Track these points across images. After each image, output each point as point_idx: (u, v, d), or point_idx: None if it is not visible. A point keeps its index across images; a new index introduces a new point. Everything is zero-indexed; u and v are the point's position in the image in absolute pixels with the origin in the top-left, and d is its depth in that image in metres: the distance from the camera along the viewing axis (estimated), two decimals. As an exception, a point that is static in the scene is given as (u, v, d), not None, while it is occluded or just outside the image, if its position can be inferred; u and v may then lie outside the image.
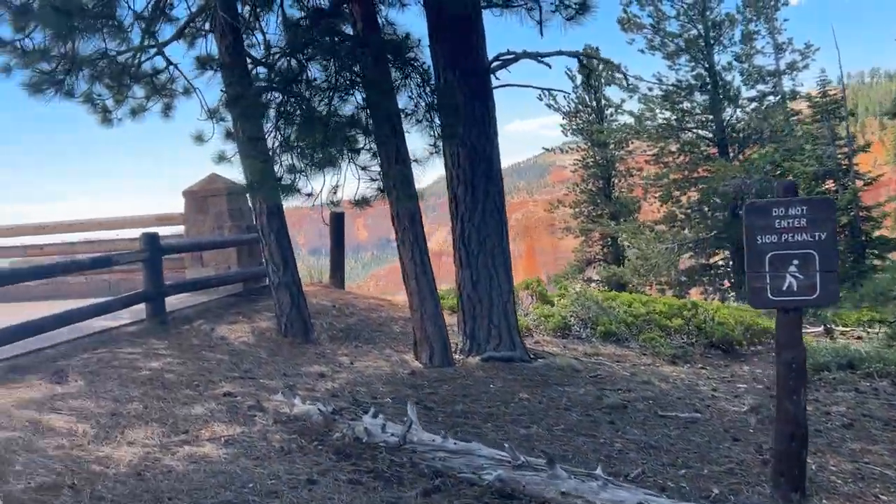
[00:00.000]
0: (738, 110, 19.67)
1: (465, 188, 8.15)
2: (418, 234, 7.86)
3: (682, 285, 18.82)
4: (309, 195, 7.17)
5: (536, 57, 7.74)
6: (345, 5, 7.39)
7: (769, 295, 4.47)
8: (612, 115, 22.21)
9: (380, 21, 7.63)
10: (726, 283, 18.79)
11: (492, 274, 8.18)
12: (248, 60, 8.47)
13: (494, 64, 7.99)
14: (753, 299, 4.63)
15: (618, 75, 18.88)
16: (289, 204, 8.85)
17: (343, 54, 6.75)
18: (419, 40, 7.54)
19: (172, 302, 9.03)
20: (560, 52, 8.63)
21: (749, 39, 20.14)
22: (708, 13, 18.94)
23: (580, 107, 22.20)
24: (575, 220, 22.38)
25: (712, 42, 19.07)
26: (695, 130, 19.46)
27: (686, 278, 19.10)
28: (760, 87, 20.38)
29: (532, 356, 8.39)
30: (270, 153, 6.79)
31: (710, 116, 19.28)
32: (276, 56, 6.96)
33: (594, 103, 22.32)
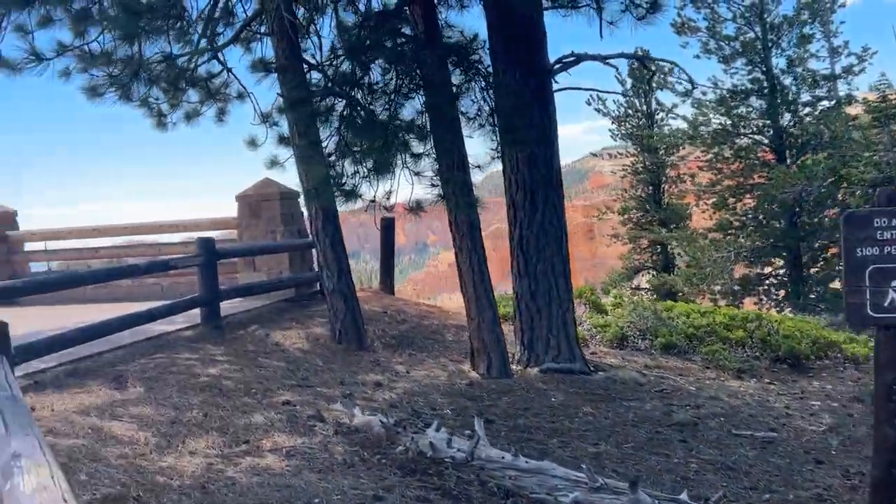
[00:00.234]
0: (797, 115, 19.03)
1: (524, 194, 7.92)
2: (476, 242, 7.67)
3: (735, 295, 18.28)
4: (372, 201, 7.02)
5: (601, 59, 7.49)
6: (406, 7, 7.25)
7: (869, 311, 4.16)
8: (662, 119, 21.77)
9: (439, 23, 7.47)
10: (782, 293, 18.19)
11: (551, 283, 7.94)
12: (304, 64, 8.42)
13: (556, 66, 7.77)
14: (851, 316, 4.33)
15: (671, 79, 18.48)
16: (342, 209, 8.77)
17: (407, 57, 6.59)
18: (483, 42, 7.35)
19: (225, 307, 8.98)
20: (622, 55, 8.38)
21: (804, 43, 19.54)
22: (766, 15, 18.40)
23: (630, 111, 21.80)
24: (623, 226, 21.94)
25: (770, 45, 18.52)
26: (751, 136, 18.91)
27: (739, 288, 18.54)
28: (815, 91, 19.74)
29: (592, 368, 8.13)
30: (331, 158, 6.67)
31: (768, 121, 18.71)
32: (342, 58, 6.81)
33: (644, 107, 21.89)
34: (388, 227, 11.97)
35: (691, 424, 6.41)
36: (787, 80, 19.07)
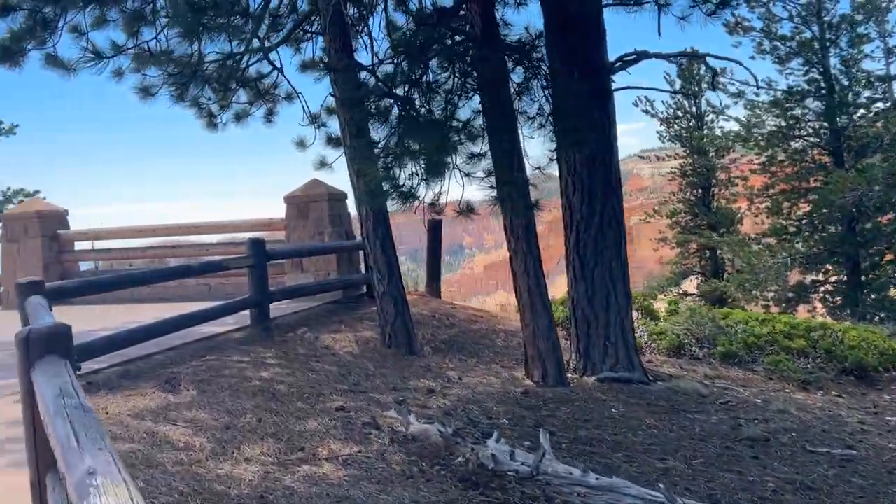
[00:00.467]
0: (853, 117, 18.33)
1: (582, 196, 7.66)
2: (532, 245, 7.44)
3: (789, 302, 17.69)
4: (432, 203, 6.84)
5: (666, 57, 7.20)
6: (463, 5, 7.06)
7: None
8: (712, 121, 21.22)
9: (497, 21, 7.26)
10: (838, 300, 17.54)
11: (609, 288, 7.66)
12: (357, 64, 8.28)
13: (616, 64, 7.50)
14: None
15: (722, 79, 17.96)
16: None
17: (466, 55, 6.40)
18: (542, 40, 7.10)
19: (273, 308, 8.89)
20: (684, 53, 8.08)
21: (859, 43, 18.87)
22: (823, 14, 17.78)
23: (679, 112, 21.29)
24: (671, 230, 21.41)
25: (828, 44, 17.90)
26: (807, 138, 18.28)
27: (793, 294, 17.94)
28: (871, 93, 19.05)
29: (651, 378, 7.83)
30: (387, 159, 6.50)
31: (825, 123, 18.07)
32: (400, 57, 6.64)
33: (694, 109, 21.36)
34: (435, 230, 11.80)
35: (762, 440, 6.09)
36: (846, 81, 18.39)
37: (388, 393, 6.75)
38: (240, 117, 10.47)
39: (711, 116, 21.28)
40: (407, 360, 8.08)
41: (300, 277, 10.69)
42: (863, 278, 17.99)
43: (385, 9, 9.44)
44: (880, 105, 19.19)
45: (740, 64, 7.74)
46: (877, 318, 15.63)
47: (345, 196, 11.31)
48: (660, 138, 22.05)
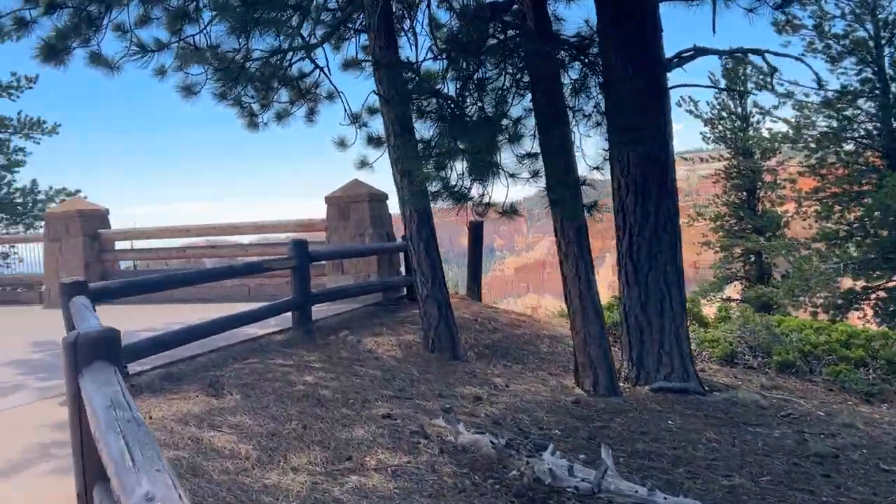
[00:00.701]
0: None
1: (636, 197, 7.36)
2: (584, 249, 7.16)
3: (838, 308, 17.09)
4: (482, 203, 6.61)
5: (727, 53, 6.87)
6: (515, 2, 6.82)
7: None
8: (758, 122, 20.63)
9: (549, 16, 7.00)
10: (892, 308, 16.87)
11: (663, 294, 7.35)
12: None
13: (673, 61, 7.18)
14: None
15: (770, 79, 17.44)
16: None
17: (518, 51, 6.15)
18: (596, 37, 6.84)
19: (313, 310, 8.74)
20: (740, 49, 7.72)
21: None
22: (878, 12, 17.14)
23: (724, 113, 20.73)
24: (714, 233, 20.85)
25: (883, 43, 17.24)
26: (859, 140, 17.64)
27: (842, 301, 17.33)
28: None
29: (706, 388, 7.50)
30: (438, 158, 6.28)
31: (878, 124, 17.41)
32: (454, 53, 6.42)
33: (739, 109, 20.78)
34: (476, 231, 11.60)
35: (831, 456, 5.74)
36: (901, 80, 17.74)
37: (434, 400, 6.54)
38: (281, 117, 10.38)
39: (757, 117, 20.70)
40: (451, 365, 7.86)
41: (340, 279, 10.54)
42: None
43: (428, 5, 9.26)
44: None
45: (802, 61, 7.38)
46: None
47: (386, 197, 11.15)
48: (703, 139, 21.50)
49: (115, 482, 1.96)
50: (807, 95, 17.60)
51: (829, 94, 17.21)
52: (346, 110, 9.89)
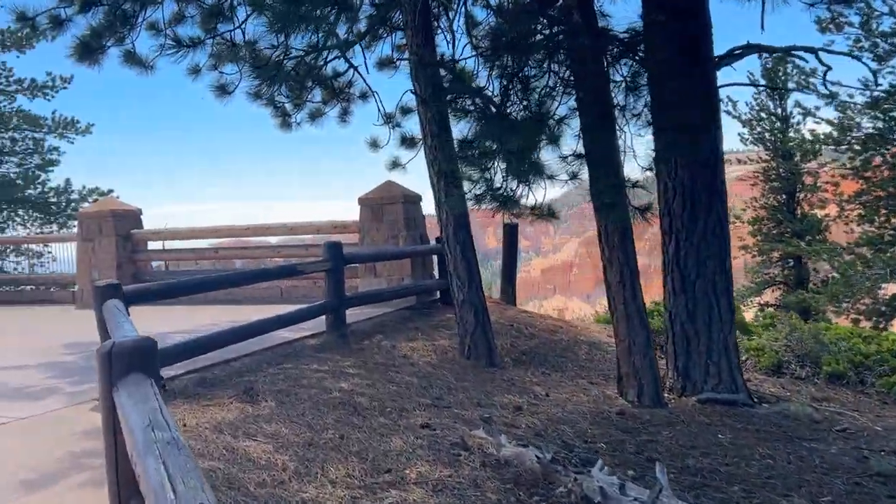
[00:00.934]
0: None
1: (683, 202, 7.06)
2: (629, 253, 6.90)
3: (882, 316, 16.56)
4: (533, 207, 6.38)
5: (783, 51, 6.56)
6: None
7: None
8: (798, 122, 20.08)
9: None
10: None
11: (711, 302, 7.05)
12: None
13: (724, 58, 6.89)
14: None
15: (812, 79, 16.98)
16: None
17: (564, 49, 5.91)
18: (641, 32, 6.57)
19: (347, 313, 8.58)
20: (794, 47, 7.39)
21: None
22: (928, 8, 16.58)
23: (763, 113, 20.21)
24: (752, 237, 20.33)
25: (933, 41, 16.67)
26: (908, 141, 17.09)
27: (886, 308, 16.79)
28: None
29: (755, 399, 7.18)
30: (480, 159, 6.06)
31: (926, 126, 16.86)
32: (499, 49, 6.20)
33: (779, 110, 20.26)
34: (511, 234, 11.38)
35: (895, 476, 5.41)
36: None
37: (473, 409, 6.32)
38: (314, 116, 10.26)
39: (798, 118, 20.14)
40: (488, 372, 7.64)
41: (373, 282, 10.37)
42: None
43: (464, 3, 9.06)
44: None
45: (859, 59, 7.03)
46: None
47: (419, 198, 10.96)
48: (741, 140, 20.97)
49: (155, 515, 1.78)
50: (850, 96, 17.08)
51: (877, 93, 16.68)
52: (379, 110, 9.73)
